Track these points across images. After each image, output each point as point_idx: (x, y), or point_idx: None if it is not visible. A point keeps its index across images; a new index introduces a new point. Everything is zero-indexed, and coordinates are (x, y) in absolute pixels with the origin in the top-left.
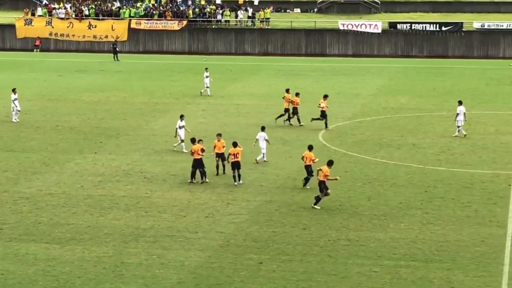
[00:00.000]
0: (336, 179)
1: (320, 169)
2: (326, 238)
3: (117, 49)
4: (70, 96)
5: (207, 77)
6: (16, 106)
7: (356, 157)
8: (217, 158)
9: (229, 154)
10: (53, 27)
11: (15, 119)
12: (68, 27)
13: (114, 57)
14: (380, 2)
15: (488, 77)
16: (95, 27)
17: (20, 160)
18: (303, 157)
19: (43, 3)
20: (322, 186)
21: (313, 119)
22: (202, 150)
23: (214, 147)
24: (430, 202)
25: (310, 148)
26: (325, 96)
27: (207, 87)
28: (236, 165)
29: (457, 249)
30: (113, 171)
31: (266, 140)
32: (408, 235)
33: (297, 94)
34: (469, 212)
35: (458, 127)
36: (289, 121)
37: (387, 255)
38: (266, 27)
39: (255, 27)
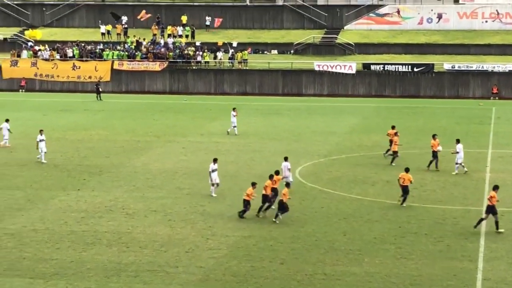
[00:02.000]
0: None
1: (490, 195)
2: (303, 273)
3: (100, 89)
4: (54, 135)
5: (234, 116)
6: (5, 136)
7: (332, 193)
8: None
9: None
10: (38, 68)
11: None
12: (52, 68)
13: (97, 97)
14: (354, 44)
15: (458, 116)
16: (79, 68)
17: (5, 197)
18: (399, 178)
19: (29, 45)
20: (494, 210)
21: (434, 167)
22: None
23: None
24: (404, 237)
25: (407, 170)
26: (434, 136)
27: (234, 126)
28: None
29: (430, 283)
30: (96, 208)
31: (289, 169)
32: (382, 269)
33: (393, 127)
34: (441, 247)
35: (458, 164)
36: (388, 153)
37: None
38: (245, 68)
39: (233, 68)
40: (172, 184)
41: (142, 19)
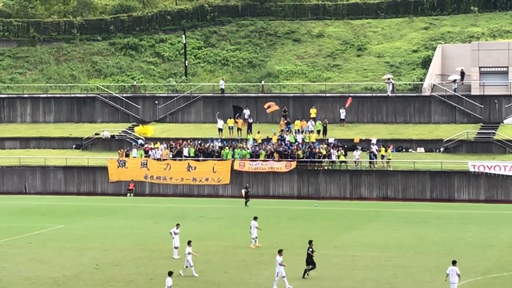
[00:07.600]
0: None
1: None
2: None
3: (249, 193)
4: (165, 246)
5: None
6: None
7: None
8: None
9: None
10: (148, 169)
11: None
12: (165, 169)
13: (245, 203)
14: None
15: None
16: (195, 168)
17: None
18: None
19: (139, 143)
20: None
21: None
22: None
23: None
24: None
25: None
26: None
27: None
28: None
29: None
30: None
31: (458, 275)
32: None
33: None
34: None
35: None
36: None
37: None
38: (386, 168)
39: (375, 168)
40: None
41: (269, 112)
